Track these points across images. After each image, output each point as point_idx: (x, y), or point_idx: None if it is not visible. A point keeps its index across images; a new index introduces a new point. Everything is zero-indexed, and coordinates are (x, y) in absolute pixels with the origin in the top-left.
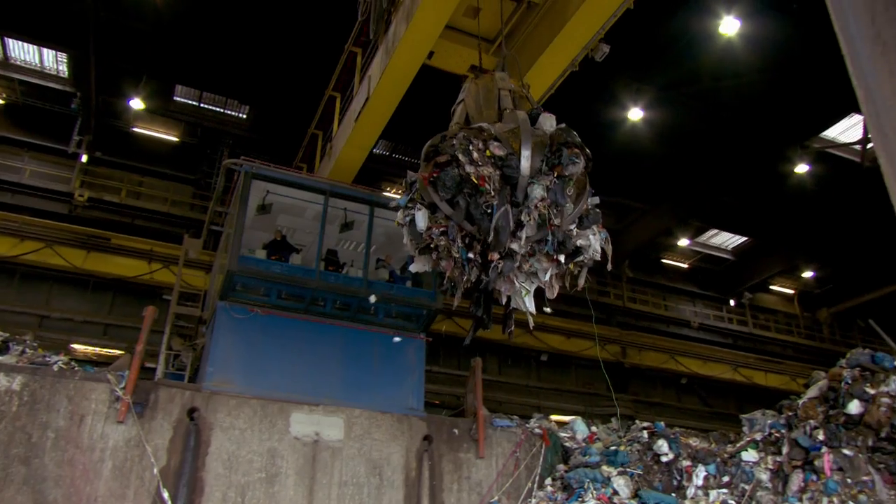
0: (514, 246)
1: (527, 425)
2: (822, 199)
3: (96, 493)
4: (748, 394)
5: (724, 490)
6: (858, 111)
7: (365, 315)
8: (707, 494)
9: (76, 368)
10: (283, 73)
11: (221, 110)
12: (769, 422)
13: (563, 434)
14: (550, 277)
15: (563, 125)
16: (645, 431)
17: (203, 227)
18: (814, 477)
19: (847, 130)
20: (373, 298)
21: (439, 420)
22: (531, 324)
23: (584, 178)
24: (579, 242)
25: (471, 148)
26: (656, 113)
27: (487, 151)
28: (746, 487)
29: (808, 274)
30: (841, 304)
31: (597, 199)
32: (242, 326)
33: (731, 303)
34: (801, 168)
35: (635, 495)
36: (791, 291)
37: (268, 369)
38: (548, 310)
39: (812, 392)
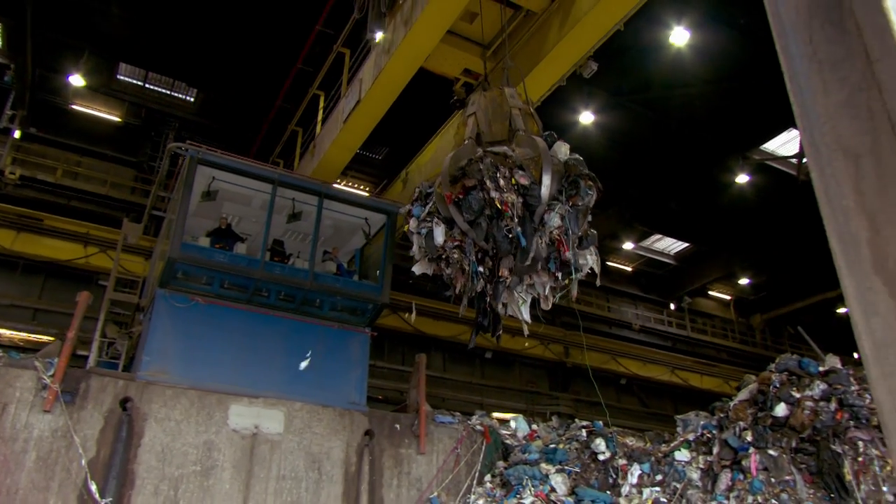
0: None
1: (468, 422)
2: (760, 209)
3: (17, 485)
4: (684, 395)
5: (657, 488)
6: (796, 126)
7: (310, 307)
8: (640, 492)
9: (0, 354)
10: (235, 57)
11: (168, 92)
12: (702, 423)
13: (504, 431)
14: (548, 290)
15: (575, 155)
16: (584, 430)
17: (144, 212)
18: (741, 476)
19: (786, 144)
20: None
21: (381, 415)
22: (525, 331)
23: (597, 199)
24: (579, 261)
25: (497, 175)
26: (607, 118)
27: (513, 179)
28: (678, 486)
29: (744, 281)
30: (773, 310)
31: (589, 217)
32: (182, 315)
33: (672, 306)
34: (742, 178)
35: (572, 492)
36: (728, 297)
37: (207, 360)
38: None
39: (743, 395)
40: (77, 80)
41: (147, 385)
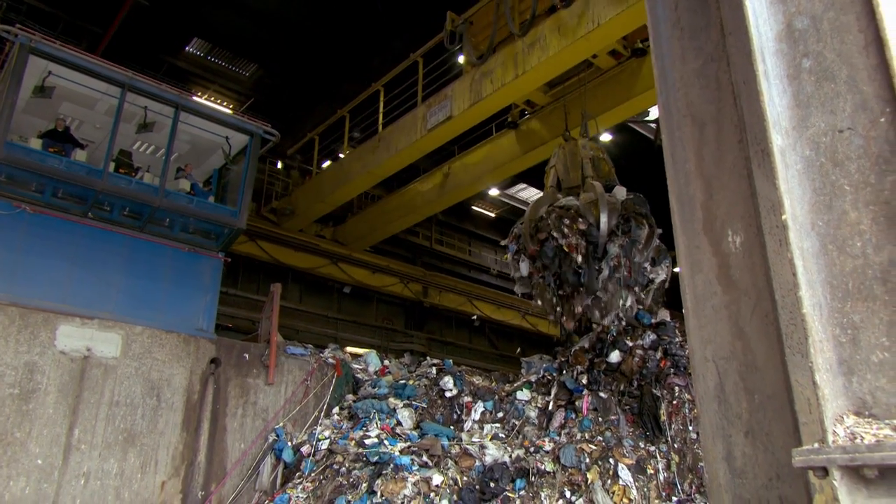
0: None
1: (321, 355)
2: (620, 168)
3: None
4: (532, 339)
5: (497, 425)
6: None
7: (158, 227)
8: (482, 428)
9: None
10: None
11: None
12: (544, 366)
13: (356, 366)
14: (630, 301)
15: (636, 194)
16: (434, 368)
17: None
18: (573, 415)
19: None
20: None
21: (230, 343)
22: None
23: (652, 233)
24: (652, 276)
25: (562, 225)
26: None
27: (574, 226)
28: (517, 423)
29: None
30: None
31: (655, 241)
32: (3, 223)
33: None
34: (605, 136)
35: (417, 426)
36: None
37: (32, 274)
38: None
39: (583, 342)
40: None
41: None
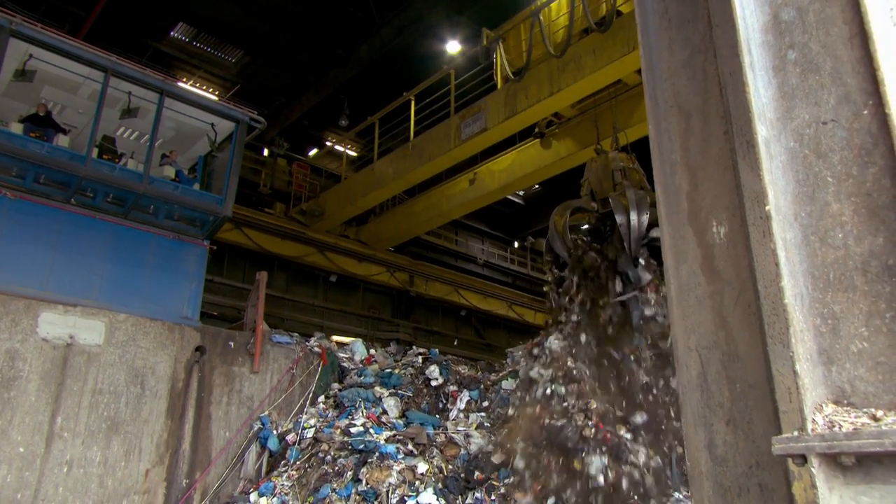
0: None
1: (306, 343)
2: None
3: None
4: (518, 329)
5: (482, 414)
6: None
7: (142, 214)
8: (467, 417)
9: None
10: None
11: None
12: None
13: (341, 354)
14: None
15: None
16: (420, 357)
17: None
18: None
19: None
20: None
21: (215, 331)
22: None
23: None
24: None
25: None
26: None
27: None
28: (502, 412)
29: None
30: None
31: None
32: None
33: (515, 244)
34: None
35: (403, 415)
36: None
37: (13, 261)
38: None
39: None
40: None
41: None
